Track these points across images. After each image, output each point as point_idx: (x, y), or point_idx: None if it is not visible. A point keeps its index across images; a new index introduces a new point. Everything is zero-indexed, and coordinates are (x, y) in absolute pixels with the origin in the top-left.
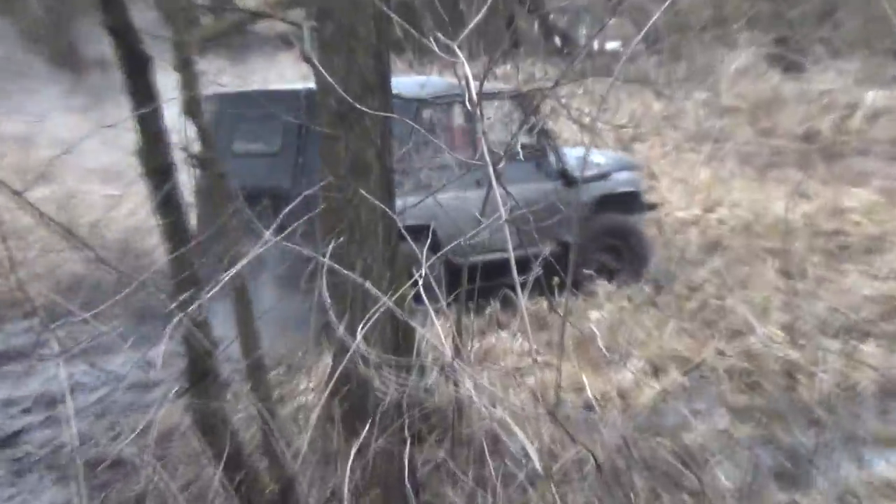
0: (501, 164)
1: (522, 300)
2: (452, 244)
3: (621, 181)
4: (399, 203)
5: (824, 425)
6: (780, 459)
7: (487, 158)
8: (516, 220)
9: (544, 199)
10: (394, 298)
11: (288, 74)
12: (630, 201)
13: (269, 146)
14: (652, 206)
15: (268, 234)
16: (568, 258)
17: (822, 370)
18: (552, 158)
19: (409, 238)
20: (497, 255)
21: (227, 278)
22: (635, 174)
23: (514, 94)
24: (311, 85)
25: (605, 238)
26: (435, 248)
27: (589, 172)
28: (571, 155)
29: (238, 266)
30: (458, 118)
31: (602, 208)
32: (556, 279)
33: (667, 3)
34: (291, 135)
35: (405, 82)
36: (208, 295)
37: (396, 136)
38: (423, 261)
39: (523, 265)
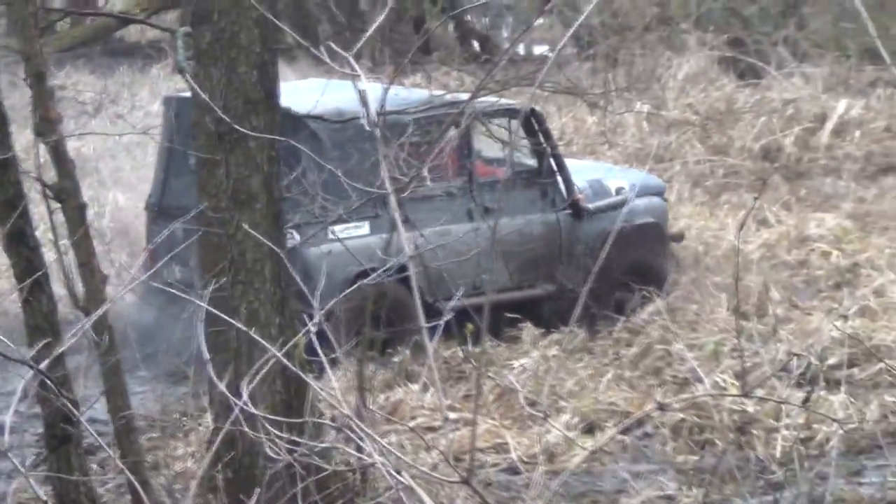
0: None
1: (431, 348)
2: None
3: (640, 210)
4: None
5: (784, 488)
6: None
7: (389, 187)
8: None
9: (547, 234)
10: (285, 348)
11: (161, 89)
12: (650, 233)
13: None
14: (677, 238)
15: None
16: (571, 303)
17: (781, 425)
18: (559, 183)
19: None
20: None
21: (87, 324)
22: (658, 200)
23: (421, 110)
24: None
25: (617, 278)
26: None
27: (603, 201)
28: (584, 177)
29: (100, 311)
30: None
31: (615, 243)
32: (469, 325)
33: None
34: None
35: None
36: (66, 345)
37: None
38: (316, 304)
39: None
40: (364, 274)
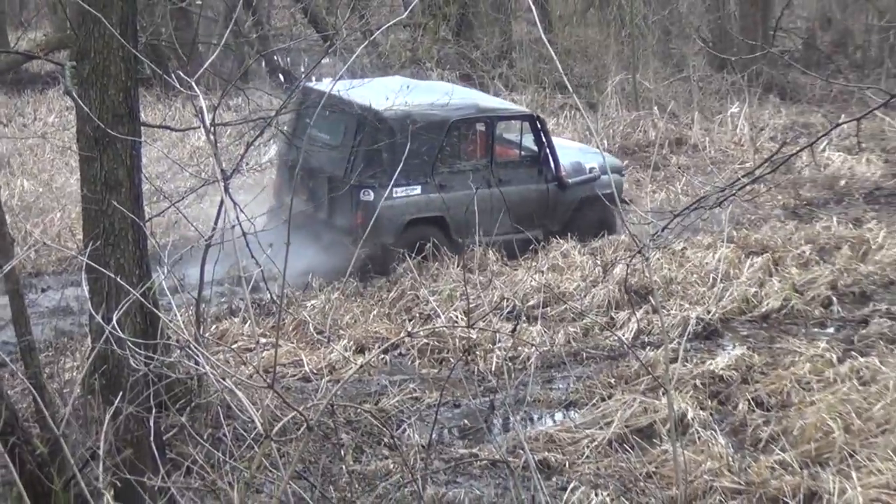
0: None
1: (246, 291)
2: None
3: (605, 184)
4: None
5: (497, 391)
6: (461, 420)
7: (219, 176)
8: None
9: (540, 198)
10: (141, 290)
11: (55, 107)
12: (610, 200)
13: (333, 138)
14: (627, 202)
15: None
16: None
17: (495, 347)
18: (551, 165)
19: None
20: (501, 237)
21: (6, 269)
22: (617, 176)
23: (241, 122)
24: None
25: (587, 222)
26: (447, 233)
27: (580, 177)
28: (569, 158)
29: (10, 265)
30: (479, 131)
31: (586, 204)
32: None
33: (366, 44)
34: (350, 134)
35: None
36: None
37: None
38: (166, 258)
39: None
40: (414, 220)
